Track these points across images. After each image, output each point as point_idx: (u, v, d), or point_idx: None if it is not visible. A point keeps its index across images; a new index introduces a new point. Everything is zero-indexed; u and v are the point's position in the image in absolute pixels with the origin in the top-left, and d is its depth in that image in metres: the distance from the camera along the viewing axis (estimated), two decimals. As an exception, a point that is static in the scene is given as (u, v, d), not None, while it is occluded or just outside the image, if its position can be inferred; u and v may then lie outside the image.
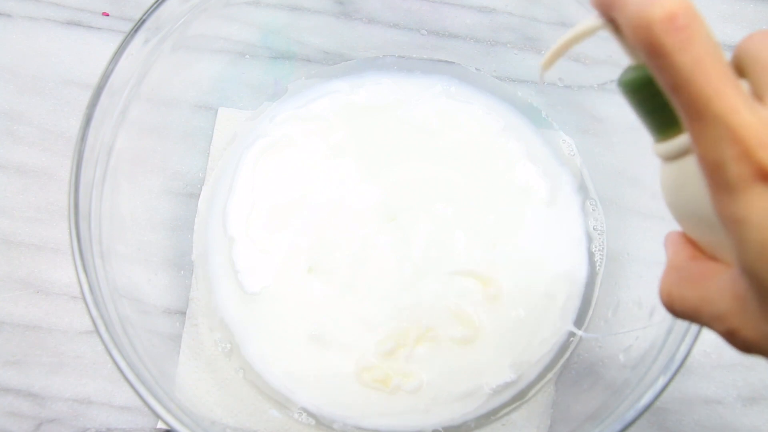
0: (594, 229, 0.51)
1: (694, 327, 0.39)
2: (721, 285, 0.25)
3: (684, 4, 0.22)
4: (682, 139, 0.25)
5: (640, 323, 0.45)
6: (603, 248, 0.51)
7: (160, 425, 0.48)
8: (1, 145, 0.52)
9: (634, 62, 0.26)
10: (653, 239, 0.47)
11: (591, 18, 0.25)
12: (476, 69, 0.54)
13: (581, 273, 0.50)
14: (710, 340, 0.50)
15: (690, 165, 0.25)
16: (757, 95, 0.24)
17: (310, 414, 0.47)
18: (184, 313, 0.49)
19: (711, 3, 0.56)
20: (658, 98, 0.25)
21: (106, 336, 0.39)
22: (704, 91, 0.22)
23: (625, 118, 0.50)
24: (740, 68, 0.25)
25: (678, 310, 0.28)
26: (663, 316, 0.42)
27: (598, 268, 0.50)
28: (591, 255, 0.50)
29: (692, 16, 0.22)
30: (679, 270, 0.28)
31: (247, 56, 0.53)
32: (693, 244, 0.28)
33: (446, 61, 0.54)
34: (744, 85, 0.24)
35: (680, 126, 0.25)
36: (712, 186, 0.23)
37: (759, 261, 0.22)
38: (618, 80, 0.26)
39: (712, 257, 0.28)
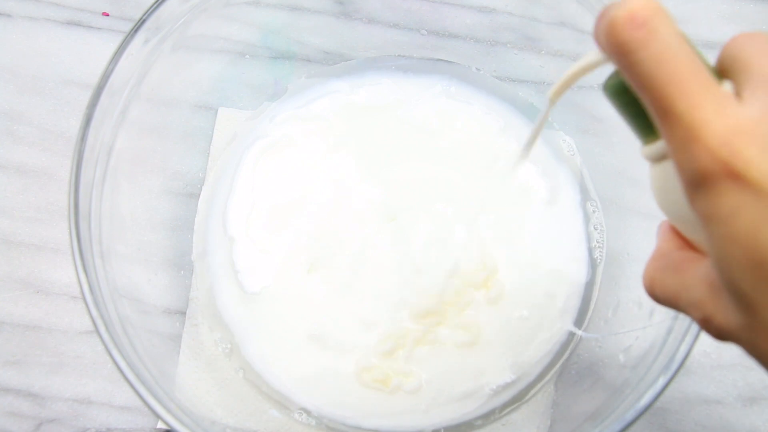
0: (594, 228, 0.51)
1: (694, 327, 0.39)
2: (698, 273, 0.26)
3: (646, 3, 0.22)
4: (662, 143, 0.26)
5: (640, 323, 0.45)
6: (603, 248, 0.51)
7: (160, 425, 0.48)
8: (1, 145, 0.52)
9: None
10: (653, 239, 0.47)
11: (596, 51, 0.26)
12: (476, 69, 0.54)
13: (581, 273, 0.50)
14: (710, 340, 0.49)
15: (672, 167, 0.25)
16: (738, 94, 0.24)
17: (310, 414, 0.47)
18: (184, 313, 0.49)
19: (711, 3, 0.56)
20: (639, 103, 0.25)
21: (106, 336, 0.39)
22: (667, 89, 0.22)
23: (625, 118, 0.50)
24: (724, 69, 0.25)
25: (658, 295, 0.28)
26: (663, 316, 0.42)
27: (598, 268, 0.50)
28: (591, 255, 0.50)
29: (653, 13, 0.22)
30: (663, 258, 0.29)
31: (247, 56, 0.53)
32: (680, 236, 0.29)
33: (446, 61, 0.54)
34: (727, 85, 0.24)
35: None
36: (684, 184, 0.23)
37: (724, 255, 0.23)
38: (602, 85, 0.27)
39: (698, 250, 0.28)
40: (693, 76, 0.22)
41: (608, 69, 0.26)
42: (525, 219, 0.50)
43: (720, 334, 0.26)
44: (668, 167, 0.26)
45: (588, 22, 0.47)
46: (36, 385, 0.49)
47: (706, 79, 0.22)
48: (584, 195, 0.52)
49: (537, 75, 0.53)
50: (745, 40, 0.24)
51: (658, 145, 0.26)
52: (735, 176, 0.22)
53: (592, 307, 0.50)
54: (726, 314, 0.25)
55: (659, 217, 0.41)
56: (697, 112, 0.22)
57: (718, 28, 0.55)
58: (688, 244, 0.29)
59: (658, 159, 0.26)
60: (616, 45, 0.23)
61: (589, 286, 0.50)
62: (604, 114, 0.52)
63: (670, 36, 0.22)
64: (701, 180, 0.22)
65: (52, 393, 0.48)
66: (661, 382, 0.38)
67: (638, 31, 0.22)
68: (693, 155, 0.22)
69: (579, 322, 0.49)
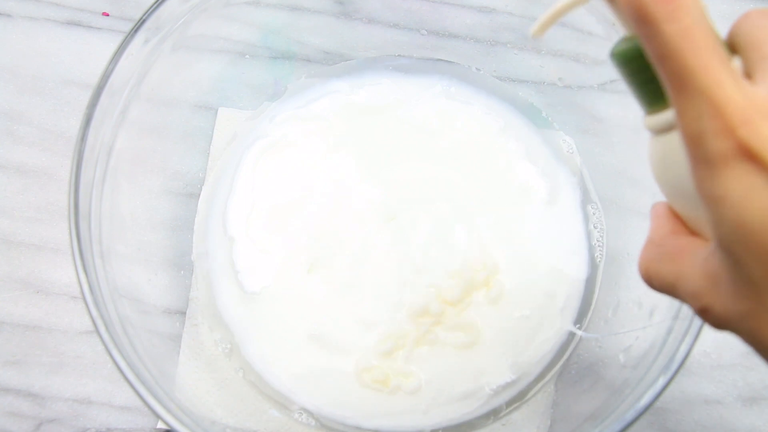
0: (594, 228, 0.51)
1: (694, 327, 0.39)
2: (696, 262, 0.26)
3: None
4: (669, 114, 0.25)
5: (640, 323, 0.45)
6: (603, 248, 0.51)
7: (160, 425, 0.48)
8: (1, 145, 0.52)
9: (627, 33, 0.26)
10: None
11: None
12: (476, 69, 0.54)
13: (581, 273, 0.50)
14: (710, 340, 0.50)
15: (677, 140, 0.25)
16: (747, 73, 0.24)
17: (310, 414, 0.47)
18: (184, 313, 0.49)
19: (711, 3, 0.55)
20: (649, 71, 0.25)
21: (106, 336, 0.39)
22: (690, 62, 0.22)
23: (625, 118, 0.50)
24: (734, 46, 0.25)
25: (655, 284, 0.28)
26: (663, 316, 0.42)
27: (598, 268, 0.50)
28: (591, 255, 0.50)
29: None
30: (658, 245, 0.28)
31: (247, 56, 0.53)
32: (676, 218, 0.28)
33: (446, 61, 0.54)
34: (737, 62, 0.24)
35: (669, 100, 0.25)
36: (693, 160, 0.23)
37: (734, 239, 0.22)
38: (610, 51, 0.26)
39: (693, 232, 0.28)
40: (715, 52, 0.22)
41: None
42: (525, 219, 0.50)
43: (719, 323, 0.25)
44: (671, 140, 0.25)
45: (588, 22, 0.47)
46: (36, 385, 0.48)
47: (726, 57, 0.22)
48: (584, 195, 0.52)
49: (537, 75, 0.53)
50: (759, 19, 0.24)
51: (665, 116, 0.25)
52: (752, 157, 0.21)
53: (592, 307, 0.50)
54: (725, 304, 0.24)
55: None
56: (720, 88, 0.21)
57: (717, 28, 0.55)
58: (684, 225, 0.28)
59: (662, 130, 0.26)
60: (640, 13, 0.22)
61: (589, 286, 0.50)
62: (604, 114, 0.52)
63: (696, 11, 0.22)
64: (715, 158, 0.22)
65: (52, 393, 0.48)
66: (661, 382, 0.38)
67: (667, 4, 0.22)
68: (710, 131, 0.21)
69: (579, 322, 0.49)
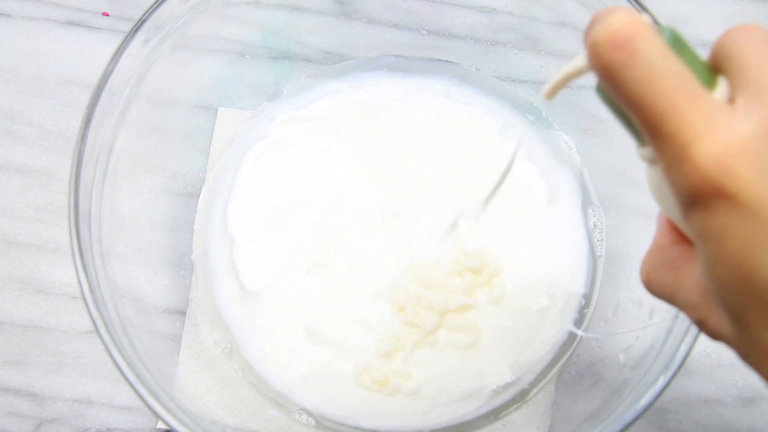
0: (594, 227, 0.51)
1: (694, 327, 0.39)
2: (693, 276, 0.26)
3: (627, 22, 0.22)
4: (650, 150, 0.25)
5: (640, 323, 0.45)
6: (603, 248, 0.51)
7: (160, 425, 0.48)
8: (1, 145, 0.52)
9: None
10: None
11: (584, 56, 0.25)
12: (476, 69, 0.54)
13: (581, 273, 0.50)
14: (710, 340, 0.49)
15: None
16: (731, 97, 0.23)
17: (309, 414, 0.47)
18: (184, 313, 0.49)
19: (711, 3, 0.56)
20: None
21: (106, 336, 0.39)
22: (655, 109, 0.22)
23: (625, 118, 0.50)
24: (718, 66, 0.24)
25: (655, 291, 0.28)
26: (663, 316, 0.42)
27: (598, 267, 0.50)
28: (591, 255, 0.50)
29: (633, 31, 0.21)
30: (660, 253, 0.28)
31: (247, 56, 0.53)
32: (678, 230, 0.29)
33: (446, 61, 0.54)
34: (723, 83, 0.24)
35: None
36: (677, 198, 0.23)
37: (715, 272, 0.23)
38: (596, 88, 0.26)
39: (694, 245, 0.28)
40: (681, 93, 0.21)
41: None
42: (525, 219, 0.50)
43: (714, 336, 0.26)
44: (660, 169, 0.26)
45: (588, 22, 0.47)
46: (36, 385, 0.49)
47: (695, 94, 0.22)
48: (584, 195, 0.52)
49: (537, 75, 0.53)
50: (741, 36, 0.23)
51: (649, 150, 0.26)
52: (726, 196, 0.21)
53: (592, 307, 0.50)
54: (718, 321, 0.25)
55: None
56: (686, 130, 0.21)
57: (717, 28, 0.55)
58: (684, 238, 0.29)
59: (653, 162, 0.26)
60: (599, 66, 0.22)
61: (589, 286, 0.50)
62: (604, 114, 0.52)
63: (652, 54, 0.22)
64: (693, 198, 0.22)
65: (52, 393, 0.48)
66: (661, 382, 0.38)
67: (620, 52, 0.22)
68: (684, 174, 0.22)
69: (579, 322, 0.49)
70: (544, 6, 0.52)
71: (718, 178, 0.21)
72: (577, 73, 0.27)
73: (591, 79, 0.25)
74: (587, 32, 0.23)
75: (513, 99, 0.53)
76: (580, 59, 0.25)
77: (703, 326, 0.26)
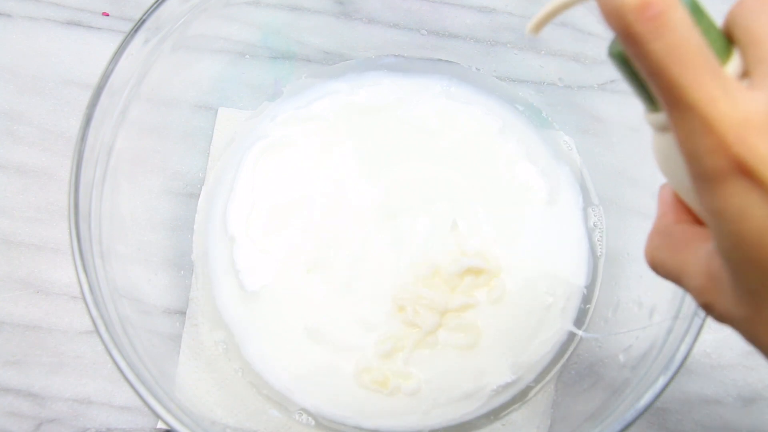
0: (594, 226, 0.51)
1: (694, 327, 0.39)
2: (699, 259, 0.26)
3: None
4: (663, 115, 0.25)
5: (640, 323, 0.45)
6: (603, 248, 0.51)
7: (160, 425, 0.48)
8: (1, 145, 0.52)
9: None
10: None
11: None
12: (476, 69, 0.54)
13: (581, 273, 0.50)
14: (710, 340, 0.50)
15: (671, 137, 0.25)
16: (746, 71, 0.23)
17: (309, 414, 0.47)
18: (184, 313, 0.49)
19: (710, 3, 0.56)
20: None
21: (106, 336, 0.39)
22: (679, 80, 0.22)
23: (625, 118, 0.50)
24: (731, 36, 0.24)
25: (660, 273, 0.28)
26: (663, 316, 0.42)
27: (598, 267, 0.50)
28: (591, 255, 0.50)
29: (666, 3, 0.21)
30: (663, 235, 0.28)
31: (247, 56, 0.53)
32: (681, 205, 0.28)
33: (446, 61, 0.54)
34: (736, 55, 0.24)
35: None
36: (691, 173, 0.23)
37: (733, 251, 0.22)
38: (608, 49, 0.26)
39: (698, 220, 0.28)
40: (705, 66, 0.21)
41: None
42: (525, 219, 0.50)
43: (720, 320, 0.26)
44: (671, 136, 0.25)
45: (588, 22, 0.47)
46: (36, 385, 0.48)
47: (717, 69, 0.22)
48: (584, 195, 0.52)
49: (537, 75, 0.53)
50: (757, 8, 0.23)
51: (662, 116, 0.25)
52: (747, 173, 0.21)
53: (592, 307, 0.50)
54: (726, 304, 0.24)
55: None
56: (711, 105, 0.21)
57: (714, 21, 0.55)
58: (689, 213, 0.28)
59: (664, 129, 0.26)
60: (626, 33, 0.22)
61: (589, 286, 0.50)
62: (604, 114, 0.52)
63: (682, 26, 0.22)
64: (711, 174, 0.22)
65: (52, 393, 0.48)
66: (661, 382, 0.38)
67: (651, 23, 0.21)
68: (704, 148, 0.21)
69: (579, 322, 0.49)
70: (544, 6, 0.52)
71: (741, 154, 0.21)
72: (567, 5, 0.26)
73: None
74: None
75: (513, 99, 0.53)
76: None
77: (709, 310, 0.26)
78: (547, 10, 0.27)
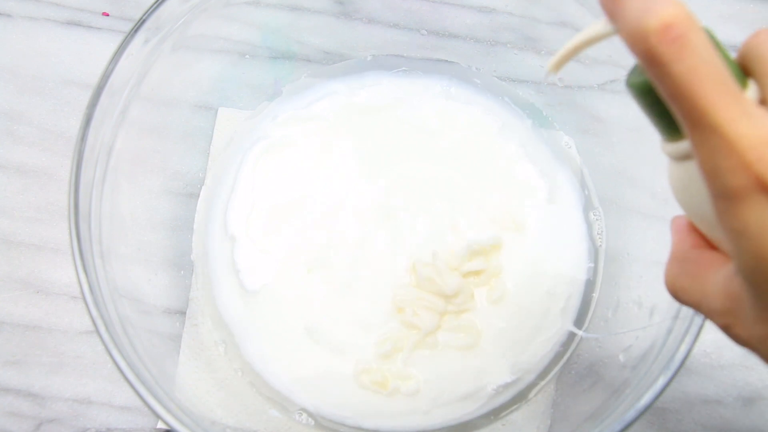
0: (594, 228, 0.51)
1: (694, 327, 0.39)
2: (717, 282, 0.26)
3: (680, 14, 0.22)
4: (684, 144, 0.25)
5: (640, 323, 0.45)
6: (603, 248, 0.51)
7: (160, 425, 0.48)
8: (1, 145, 0.52)
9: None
10: (653, 239, 0.47)
11: (602, 23, 0.25)
12: (476, 69, 0.54)
13: (581, 273, 0.50)
14: (710, 340, 0.50)
15: (692, 167, 0.25)
16: (763, 99, 0.24)
17: (309, 414, 0.47)
18: (184, 313, 0.49)
19: (711, 3, 0.56)
20: (665, 103, 0.25)
21: (106, 336, 0.39)
22: (701, 101, 0.22)
23: (625, 118, 0.50)
24: (747, 68, 0.25)
25: (681, 300, 0.29)
26: (663, 316, 0.42)
27: (598, 268, 0.50)
28: (591, 255, 0.50)
29: (688, 25, 0.22)
30: (681, 261, 0.29)
31: (247, 56, 0.53)
32: (696, 232, 0.29)
33: (446, 61, 0.54)
34: (752, 86, 0.24)
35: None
36: (712, 193, 0.23)
37: (754, 270, 0.23)
38: (626, 81, 0.26)
39: (714, 246, 0.28)
40: (726, 88, 0.22)
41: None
42: (525, 219, 0.50)
43: (740, 342, 0.26)
44: (691, 166, 0.26)
45: (588, 22, 0.47)
46: (36, 385, 0.48)
47: (737, 91, 0.22)
48: (584, 195, 0.52)
49: (537, 75, 0.53)
50: None
51: (683, 145, 0.26)
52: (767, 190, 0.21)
53: (592, 307, 0.50)
54: (746, 326, 0.25)
55: (659, 217, 0.41)
56: (732, 125, 0.22)
57: (717, 28, 0.54)
58: (704, 239, 0.29)
59: (680, 158, 0.26)
60: (649, 55, 0.22)
61: (589, 286, 0.50)
62: (604, 114, 0.52)
63: (703, 48, 0.22)
64: (732, 193, 0.22)
65: (52, 393, 0.48)
66: (661, 382, 0.38)
67: (673, 44, 0.22)
68: (726, 167, 0.22)
69: (579, 322, 0.49)
70: (544, 6, 0.52)
71: (762, 173, 0.21)
72: (591, 42, 0.26)
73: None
74: (614, 9, 0.23)
75: (513, 99, 0.53)
76: (598, 27, 0.25)
77: (729, 333, 0.26)
78: (567, 49, 0.27)
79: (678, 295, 0.29)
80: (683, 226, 0.30)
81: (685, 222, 0.29)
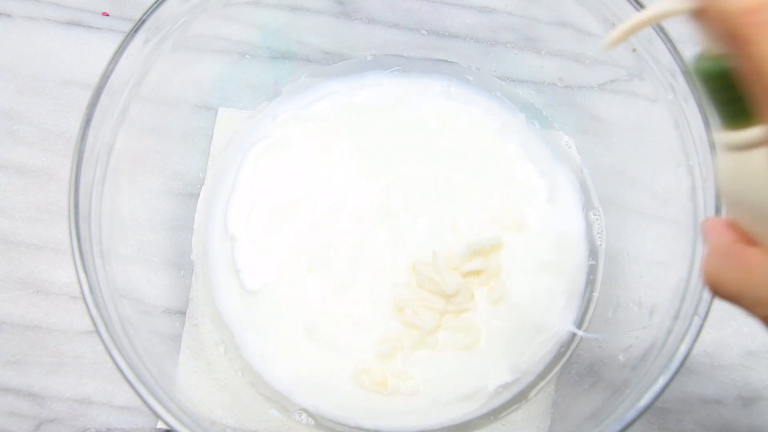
0: (594, 228, 0.51)
1: (694, 327, 0.39)
2: (763, 272, 0.26)
3: (763, 1, 0.23)
4: (750, 133, 0.26)
5: (640, 323, 0.45)
6: (603, 248, 0.51)
7: (160, 425, 0.48)
8: (1, 145, 0.52)
9: (710, 50, 0.26)
10: (653, 239, 0.47)
11: (675, 0, 0.25)
12: (476, 69, 0.54)
13: (581, 273, 0.50)
14: (710, 340, 0.50)
15: (754, 158, 0.25)
16: None
17: (309, 414, 0.47)
18: (184, 313, 0.49)
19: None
20: (733, 90, 0.25)
21: (106, 336, 0.39)
22: None
23: (625, 118, 0.50)
24: None
25: (721, 293, 0.29)
26: (663, 316, 0.42)
27: (598, 267, 0.50)
28: (591, 255, 0.50)
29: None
30: (722, 254, 0.29)
31: (247, 56, 0.53)
32: (734, 229, 0.29)
33: (446, 61, 0.54)
34: None
35: (750, 119, 0.25)
36: None
37: None
38: (694, 66, 0.26)
39: (754, 242, 0.28)
40: None
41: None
42: (525, 219, 0.50)
43: None
44: (747, 157, 0.26)
45: (588, 22, 0.47)
46: (36, 385, 0.49)
47: None
48: (584, 195, 0.52)
49: (537, 75, 0.53)
50: None
51: (744, 135, 0.26)
52: None
53: (592, 307, 0.50)
54: None
55: (659, 217, 0.41)
56: None
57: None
58: (744, 236, 0.29)
59: (738, 148, 0.26)
60: (733, 34, 0.23)
61: (589, 285, 0.50)
62: (604, 114, 0.52)
63: None
64: None
65: (52, 393, 0.48)
66: (661, 382, 0.38)
67: (760, 26, 0.23)
68: None
69: (579, 322, 0.49)
70: (544, 6, 0.52)
71: None
72: (662, 17, 0.26)
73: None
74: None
75: (513, 99, 0.53)
76: (673, 3, 0.26)
77: None
78: (635, 22, 0.27)
79: (718, 287, 0.29)
80: (718, 224, 0.30)
81: (720, 221, 0.30)
